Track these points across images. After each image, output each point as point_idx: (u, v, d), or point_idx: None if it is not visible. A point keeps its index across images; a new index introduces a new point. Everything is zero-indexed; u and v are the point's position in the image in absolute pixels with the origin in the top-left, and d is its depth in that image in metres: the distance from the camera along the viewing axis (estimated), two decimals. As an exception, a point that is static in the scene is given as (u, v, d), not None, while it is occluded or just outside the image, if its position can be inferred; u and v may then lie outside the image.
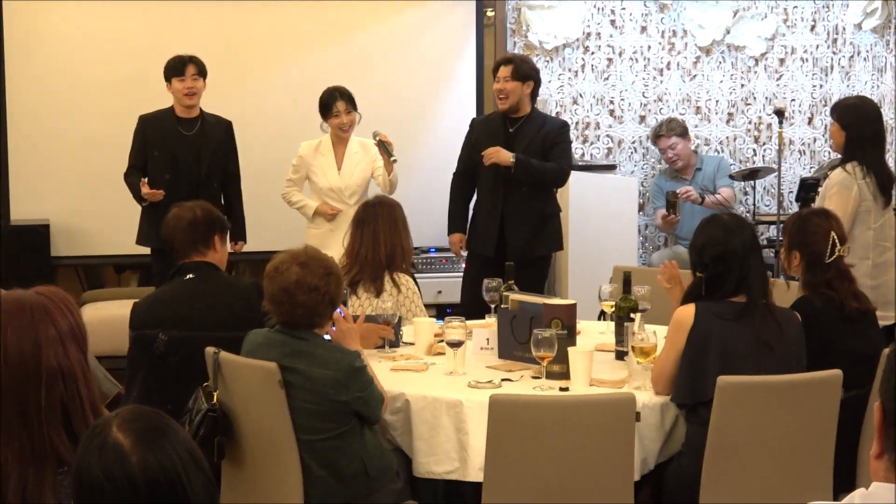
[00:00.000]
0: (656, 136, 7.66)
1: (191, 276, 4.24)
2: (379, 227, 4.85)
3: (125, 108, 6.33)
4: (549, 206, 6.17)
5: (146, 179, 5.98)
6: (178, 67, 6.10)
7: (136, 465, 1.77)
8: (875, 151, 5.32)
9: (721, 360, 3.73)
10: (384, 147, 6.02)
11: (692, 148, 7.71)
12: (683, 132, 7.60)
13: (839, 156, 5.51)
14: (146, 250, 6.32)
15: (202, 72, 6.15)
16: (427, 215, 6.79)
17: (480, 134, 6.17)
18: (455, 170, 6.31)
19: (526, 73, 6.02)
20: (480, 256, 6.15)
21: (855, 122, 5.30)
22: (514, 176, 5.97)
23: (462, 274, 6.43)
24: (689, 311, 3.81)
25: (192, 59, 6.13)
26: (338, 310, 3.87)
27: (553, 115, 7.75)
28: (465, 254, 6.41)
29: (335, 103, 6.08)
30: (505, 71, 5.99)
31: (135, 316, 4.31)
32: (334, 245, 5.99)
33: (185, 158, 6.15)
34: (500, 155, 5.93)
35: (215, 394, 3.77)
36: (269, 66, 7.36)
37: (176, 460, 1.78)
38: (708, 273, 3.83)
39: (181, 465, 1.78)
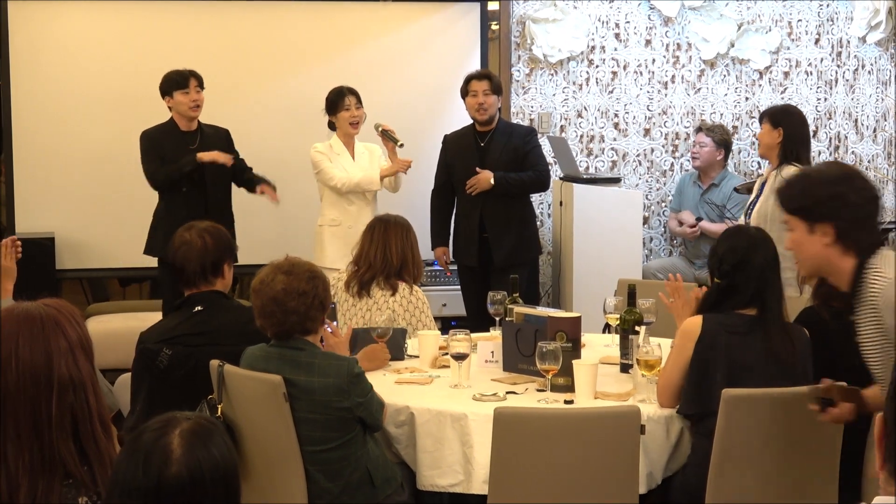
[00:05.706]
0: (697, 129, 7.69)
1: (199, 308, 4.14)
2: (391, 233, 4.89)
3: (130, 121, 6.34)
4: (527, 212, 6.50)
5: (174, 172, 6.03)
6: (181, 81, 6.10)
7: (171, 476, 1.86)
8: (807, 155, 5.53)
9: (728, 371, 3.73)
10: (388, 135, 6.12)
11: (723, 163, 7.60)
12: (721, 141, 7.51)
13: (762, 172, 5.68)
14: (151, 262, 6.28)
15: (202, 83, 6.17)
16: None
17: (454, 150, 6.50)
18: (433, 186, 6.60)
19: (500, 86, 6.42)
20: (468, 268, 6.43)
21: (790, 122, 5.52)
22: (496, 192, 6.26)
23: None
24: (696, 321, 3.82)
25: (193, 73, 6.15)
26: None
27: (558, 128, 7.79)
28: (453, 268, 6.66)
29: (346, 97, 6.17)
30: (484, 85, 6.28)
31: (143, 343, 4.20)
32: (353, 242, 5.87)
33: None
34: (482, 182, 6.23)
35: (220, 406, 3.77)
36: (272, 77, 7.37)
37: (208, 485, 1.87)
38: (726, 281, 3.85)
39: (211, 491, 1.88)
